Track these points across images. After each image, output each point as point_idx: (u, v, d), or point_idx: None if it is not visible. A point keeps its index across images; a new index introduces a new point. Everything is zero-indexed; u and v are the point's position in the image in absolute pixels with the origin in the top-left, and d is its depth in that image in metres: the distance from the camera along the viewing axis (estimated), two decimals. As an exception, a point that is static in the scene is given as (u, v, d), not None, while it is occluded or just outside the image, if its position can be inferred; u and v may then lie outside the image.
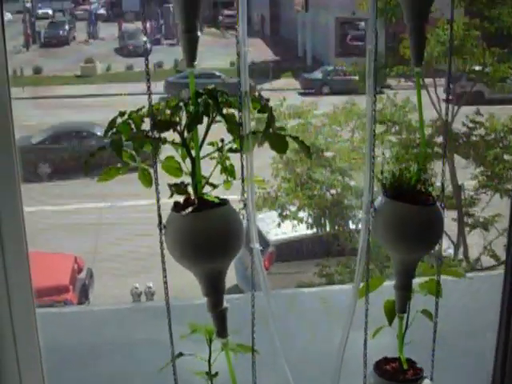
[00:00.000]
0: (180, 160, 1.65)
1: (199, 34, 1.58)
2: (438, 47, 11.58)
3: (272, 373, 1.95)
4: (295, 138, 1.62)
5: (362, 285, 1.91)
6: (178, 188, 1.61)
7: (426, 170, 1.79)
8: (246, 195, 1.73)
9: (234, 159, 1.70)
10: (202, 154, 1.62)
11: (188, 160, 1.63)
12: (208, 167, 1.69)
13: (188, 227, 1.58)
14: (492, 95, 16.28)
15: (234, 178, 1.69)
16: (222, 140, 1.65)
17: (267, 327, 1.90)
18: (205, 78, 19.67)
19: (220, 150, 1.66)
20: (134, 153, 1.64)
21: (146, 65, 1.64)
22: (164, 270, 1.69)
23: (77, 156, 16.25)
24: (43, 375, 1.98)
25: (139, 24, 28.41)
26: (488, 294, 2.81)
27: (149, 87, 1.62)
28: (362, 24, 29.44)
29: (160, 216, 1.63)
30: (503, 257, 7.01)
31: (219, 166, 1.68)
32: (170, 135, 1.63)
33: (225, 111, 1.60)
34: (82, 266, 12.96)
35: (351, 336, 1.94)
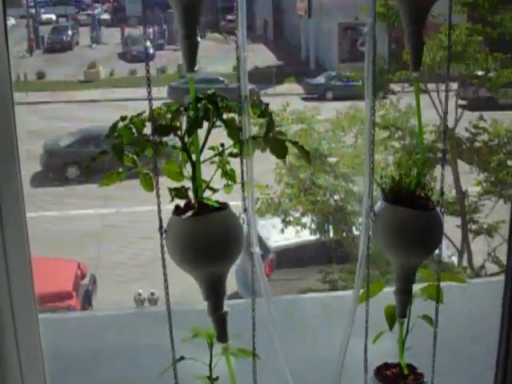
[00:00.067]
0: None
1: (201, 39, 1.59)
2: (440, 52, 11.58)
3: (273, 377, 1.95)
4: (295, 143, 1.63)
5: (362, 291, 1.91)
6: (179, 192, 1.61)
7: (426, 175, 1.79)
8: (245, 199, 1.73)
9: (235, 164, 1.70)
10: (202, 158, 1.62)
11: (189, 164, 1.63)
12: (209, 171, 1.69)
13: (188, 231, 1.58)
14: (507, 100, 16.15)
15: (235, 183, 1.69)
16: (222, 144, 1.66)
17: (268, 332, 1.90)
18: (208, 83, 19.70)
19: (220, 154, 1.66)
20: (135, 157, 1.65)
21: (147, 70, 1.64)
22: (165, 274, 1.69)
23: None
24: (45, 381, 1.99)
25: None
26: (490, 300, 2.80)
27: (149, 92, 1.63)
28: (366, 29, 29.40)
29: (161, 220, 1.63)
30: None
31: (220, 171, 1.68)
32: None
33: (225, 116, 1.61)
34: (86, 272, 12.96)
35: (352, 341, 1.94)
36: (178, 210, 1.61)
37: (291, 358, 2.00)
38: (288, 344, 2.02)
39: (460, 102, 13.07)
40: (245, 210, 1.72)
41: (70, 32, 37.84)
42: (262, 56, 32.62)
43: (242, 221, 1.66)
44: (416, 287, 1.87)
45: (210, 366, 1.79)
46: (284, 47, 37.35)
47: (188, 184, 1.63)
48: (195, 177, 1.61)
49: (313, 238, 12.19)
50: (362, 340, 1.91)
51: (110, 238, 14.79)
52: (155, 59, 30.59)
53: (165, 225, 1.63)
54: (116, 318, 3.48)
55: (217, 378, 1.81)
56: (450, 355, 2.25)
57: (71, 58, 34.53)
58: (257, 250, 1.82)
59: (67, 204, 16.46)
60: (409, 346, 1.91)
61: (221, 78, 24.45)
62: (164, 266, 1.68)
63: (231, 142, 1.67)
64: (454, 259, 12.18)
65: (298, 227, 12.03)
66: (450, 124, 12.18)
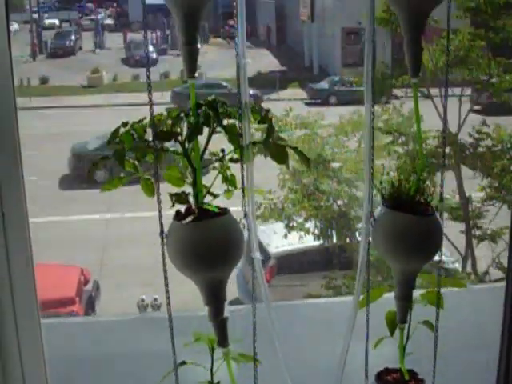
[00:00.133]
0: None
1: (202, 45, 1.60)
2: (443, 57, 11.58)
3: (273, 382, 1.95)
4: (294, 149, 1.63)
5: (362, 296, 1.92)
6: (179, 197, 1.62)
7: (425, 180, 1.79)
8: (246, 205, 1.74)
9: (236, 170, 1.71)
10: (203, 164, 1.63)
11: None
12: (210, 177, 1.70)
13: (188, 236, 1.59)
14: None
15: (235, 188, 1.70)
16: (223, 150, 1.66)
17: (269, 338, 1.90)
18: (211, 89, 19.72)
19: (221, 160, 1.67)
20: (136, 162, 1.66)
21: (148, 76, 1.65)
22: (166, 278, 1.70)
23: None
24: (48, 385, 1.99)
25: (146, 34, 28.46)
26: (491, 306, 2.80)
27: (150, 98, 1.64)
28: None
29: (162, 225, 1.64)
30: None
31: (220, 176, 1.69)
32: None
33: (225, 122, 1.61)
34: (89, 278, 12.95)
35: (352, 347, 1.94)
36: (178, 216, 1.62)
37: (292, 363, 2.00)
38: (289, 349, 2.03)
39: (474, 107, 13.04)
40: (245, 215, 1.72)
41: (73, 37, 37.93)
42: (265, 61, 32.67)
43: (242, 226, 1.66)
44: (417, 293, 1.87)
45: (212, 370, 1.79)
46: (287, 53, 37.41)
47: (189, 189, 1.64)
48: (196, 182, 1.62)
49: (316, 243, 12.17)
50: (362, 345, 1.91)
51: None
52: (158, 64, 30.63)
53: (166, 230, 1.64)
54: (118, 323, 3.48)
55: (218, 383, 1.81)
56: (451, 361, 2.25)
57: (74, 62, 34.59)
58: (257, 255, 1.82)
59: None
60: (409, 351, 1.91)
61: (224, 83, 24.46)
62: (165, 271, 1.68)
63: (232, 148, 1.68)
64: (458, 265, 12.15)
65: (302, 233, 12.02)
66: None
